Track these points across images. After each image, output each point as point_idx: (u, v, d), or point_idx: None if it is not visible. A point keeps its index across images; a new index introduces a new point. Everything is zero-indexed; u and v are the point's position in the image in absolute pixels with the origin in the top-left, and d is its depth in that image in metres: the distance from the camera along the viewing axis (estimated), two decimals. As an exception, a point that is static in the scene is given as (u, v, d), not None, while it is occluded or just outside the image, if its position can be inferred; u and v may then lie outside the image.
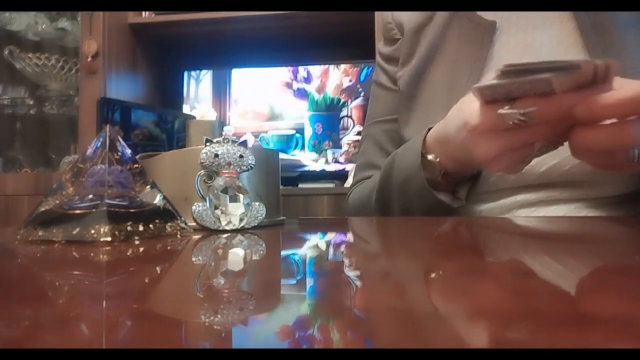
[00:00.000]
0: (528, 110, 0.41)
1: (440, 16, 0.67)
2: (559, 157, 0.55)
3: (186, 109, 1.74)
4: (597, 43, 0.56)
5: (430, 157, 0.54)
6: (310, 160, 1.65)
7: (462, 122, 0.47)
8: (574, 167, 0.55)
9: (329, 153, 1.65)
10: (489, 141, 0.45)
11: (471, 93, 0.45)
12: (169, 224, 0.42)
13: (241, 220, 0.45)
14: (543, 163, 0.56)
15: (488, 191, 0.60)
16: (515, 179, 0.58)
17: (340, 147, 1.65)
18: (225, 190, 0.45)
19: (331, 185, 1.57)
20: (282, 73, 1.69)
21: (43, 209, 0.39)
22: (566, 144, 0.45)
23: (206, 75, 1.75)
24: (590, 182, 0.56)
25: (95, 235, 0.36)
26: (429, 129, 0.56)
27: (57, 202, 0.39)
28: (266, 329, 0.16)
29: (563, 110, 0.41)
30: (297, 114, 1.67)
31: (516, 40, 0.61)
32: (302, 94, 1.68)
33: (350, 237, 0.46)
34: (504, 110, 0.42)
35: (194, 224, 0.45)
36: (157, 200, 0.42)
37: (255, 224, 0.47)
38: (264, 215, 0.47)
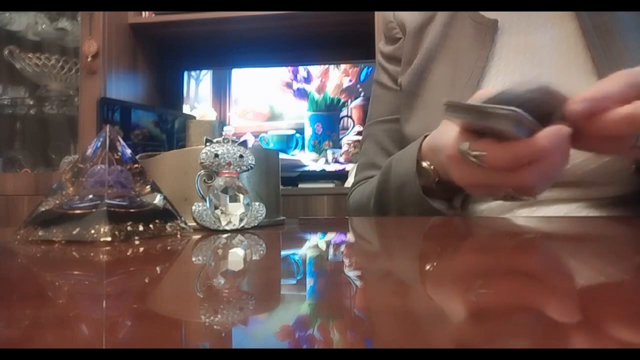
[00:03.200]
0: (478, 153, 0.40)
1: (442, 15, 0.67)
2: None
3: (186, 109, 1.74)
4: (599, 44, 0.56)
5: (425, 164, 0.54)
6: (310, 160, 1.65)
7: (442, 144, 0.47)
8: (575, 168, 0.55)
9: (329, 153, 1.65)
10: (461, 170, 0.44)
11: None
12: (169, 224, 0.42)
13: (241, 220, 0.45)
14: None
15: (489, 191, 0.60)
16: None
17: (340, 147, 1.65)
18: (225, 190, 0.45)
19: (331, 185, 1.57)
20: (282, 73, 1.69)
21: (43, 209, 0.39)
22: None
23: (206, 75, 1.75)
24: (590, 182, 0.56)
25: (95, 235, 0.36)
26: (426, 135, 0.56)
27: (57, 202, 0.39)
28: (266, 329, 0.16)
29: (512, 161, 0.39)
30: (297, 114, 1.67)
31: (517, 40, 0.61)
32: (302, 94, 1.67)
33: (350, 237, 0.46)
34: (462, 147, 0.41)
35: (194, 224, 0.44)
36: (157, 200, 0.42)
37: (255, 224, 0.47)
38: (264, 215, 0.47)
